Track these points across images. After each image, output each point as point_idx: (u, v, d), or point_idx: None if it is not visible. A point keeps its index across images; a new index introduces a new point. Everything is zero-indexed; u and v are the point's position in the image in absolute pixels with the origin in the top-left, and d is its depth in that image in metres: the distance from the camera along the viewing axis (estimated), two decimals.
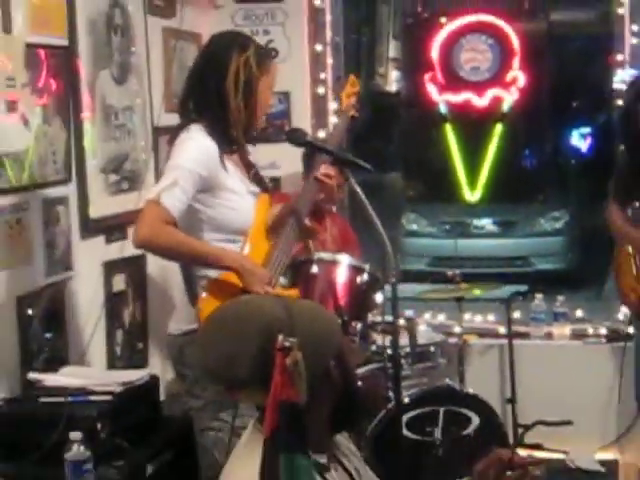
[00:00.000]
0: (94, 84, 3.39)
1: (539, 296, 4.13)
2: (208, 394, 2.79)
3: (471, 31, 4.18)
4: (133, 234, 2.75)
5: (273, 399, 1.62)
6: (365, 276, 2.95)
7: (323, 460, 1.85)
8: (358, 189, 2.79)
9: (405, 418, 3.44)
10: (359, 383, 2.66)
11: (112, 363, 3.42)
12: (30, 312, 2.97)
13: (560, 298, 4.19)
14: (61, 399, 2.65)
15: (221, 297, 2.63)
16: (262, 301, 1.95)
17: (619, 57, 3.92)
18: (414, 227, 6.77)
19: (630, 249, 3.53)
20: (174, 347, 3.21)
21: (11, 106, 2.76)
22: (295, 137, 2.94)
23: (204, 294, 2.76)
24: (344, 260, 2.98)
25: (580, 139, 8.29)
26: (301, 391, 1.63)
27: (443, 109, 4.43)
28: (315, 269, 2.92)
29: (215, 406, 2.82)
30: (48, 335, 3.02)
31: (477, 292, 3.93)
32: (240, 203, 2.84)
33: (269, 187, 3.06)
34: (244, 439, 1.89)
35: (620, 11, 3.87)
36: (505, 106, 4.44)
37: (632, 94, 3.55)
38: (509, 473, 1.88)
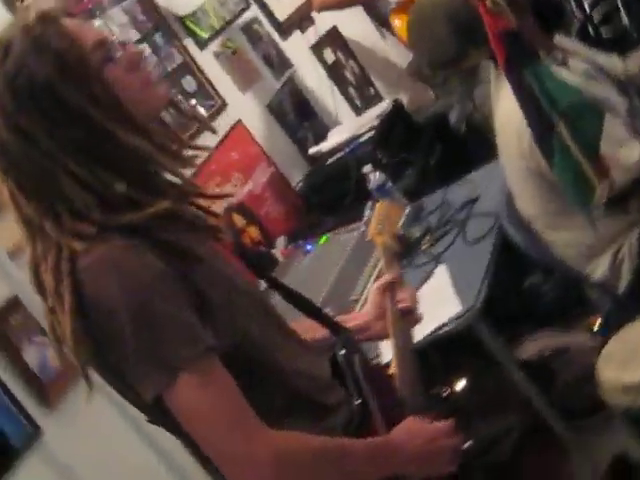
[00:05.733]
0: None
1: None
2: (452, 85, 3.76)
3: None
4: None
5: (493, 36, 2.02)
6: None
7: (558, 56, 2.27)
8: None
9: None
10: None
11: (358, 112, 4.42)
12: (281, 112, 4.01)
13: None
14: (341, 153, 3.67)
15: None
16: None
17: None
18: None
19: None
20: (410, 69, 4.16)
21: None
22: None
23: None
24: None
25: None
26: (510, 18, 2.00)
27: None
28: None
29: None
30: (305, 122, 4.09)
31: None
32: None
33: None
34: (492, 84, 2.38)
35: None
36: None
37: None
38: None
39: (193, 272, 1.29)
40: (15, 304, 2.46)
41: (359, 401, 1.45)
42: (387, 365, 1.64)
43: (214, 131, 2.30)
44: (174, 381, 1.22)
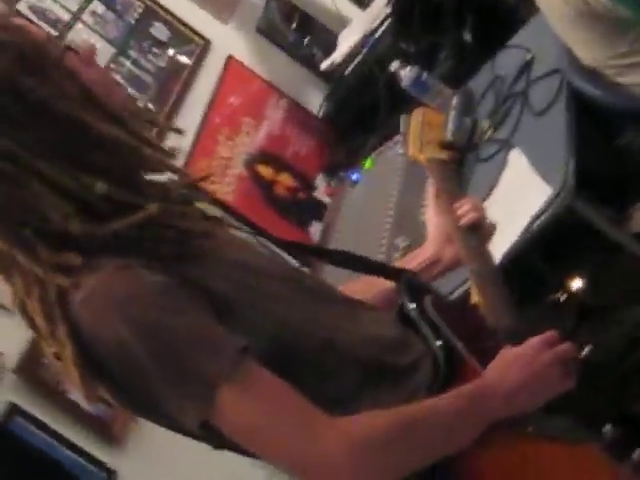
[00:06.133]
0: None
1: None
2: None
3: None
4: None
5: None
6: None
7: None
8: None
9: None
10: None
11: (363, 5, 4.27)
12: (275, 32, 4.08)
13: None
14: (359, 57, 3.70)
15: None
16: None
17: None
18: None
19: None
20: None
21: None
22: None
23: None
24: None
25: None
26: None
27: None
28: None
29: None
30: (306, 36, 4.13)
31: None
32: None
33: None
34: None
35: None
36: None
37: None
38: None
39: (199, 273, 1.29)
40: None
41: (440, 343, 1.44)
42: (468, 295, 1.59)
43: (180, 132, 2.37)
44: (214, 401, 1.22)
